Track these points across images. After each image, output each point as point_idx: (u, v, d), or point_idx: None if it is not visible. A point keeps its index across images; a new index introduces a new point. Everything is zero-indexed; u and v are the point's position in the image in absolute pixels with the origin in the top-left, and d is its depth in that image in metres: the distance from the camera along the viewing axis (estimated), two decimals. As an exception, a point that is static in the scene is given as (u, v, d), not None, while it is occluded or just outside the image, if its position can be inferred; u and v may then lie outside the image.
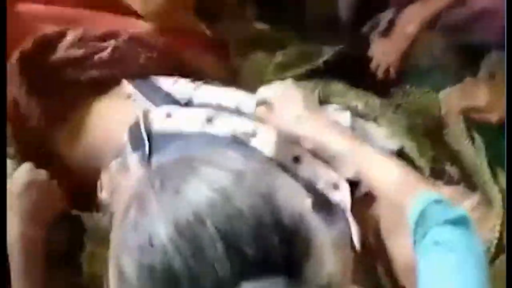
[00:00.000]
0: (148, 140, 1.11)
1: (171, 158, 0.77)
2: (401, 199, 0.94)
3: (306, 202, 1.03)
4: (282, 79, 1.29)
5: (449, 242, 0.83)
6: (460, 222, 0.85)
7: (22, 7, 1.27)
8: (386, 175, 0.98)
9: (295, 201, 0.73)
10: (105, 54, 1.25)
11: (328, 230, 0.78)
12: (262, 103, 1.13)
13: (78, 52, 1.24)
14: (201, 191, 0.69)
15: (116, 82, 1.27)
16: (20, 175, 1.08)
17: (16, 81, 1.19)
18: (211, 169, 0.72)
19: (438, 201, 0.88)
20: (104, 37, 1.26)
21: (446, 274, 0.80)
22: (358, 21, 1.50)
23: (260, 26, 1.40)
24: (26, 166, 1.10)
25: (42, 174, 1.09)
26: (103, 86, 1.26)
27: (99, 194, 1.07)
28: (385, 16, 1.50)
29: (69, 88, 1.25)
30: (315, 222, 0.73)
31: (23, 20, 1.26)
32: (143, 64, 1.29)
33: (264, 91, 1.14)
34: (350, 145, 1.03)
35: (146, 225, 0.69)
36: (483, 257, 0.84)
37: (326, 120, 1.08)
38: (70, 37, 1.24)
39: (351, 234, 1.08)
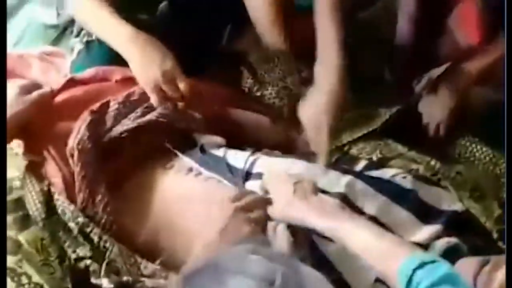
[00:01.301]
0: None
1: (197, 266, 0.78)
2: (384, 268, 0.94)
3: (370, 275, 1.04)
4: (340, 143, 1.30)
5: None
6: (446, 280, 0.85)
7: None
8: (367, 248, 0.98)
9: None
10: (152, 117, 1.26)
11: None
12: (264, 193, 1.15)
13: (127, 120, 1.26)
14: None
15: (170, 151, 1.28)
16: None
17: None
18: (238, 280, 0.73)
19: (421, 265, 0.88)
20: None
21: None
22: (410, 80, 1.50)
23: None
24: None
25: None
26: (157, 154, 1.27)
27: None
28: (434, 74, 1.50)
29: (123, 158, 1.26)
30: None
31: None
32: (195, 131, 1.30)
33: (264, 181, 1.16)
34: (331, 225, 1.02)
35: None
36: None
37: (313, 203, 1.07)
38: (113, 105, 1.27)
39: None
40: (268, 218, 1.11)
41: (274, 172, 1.16)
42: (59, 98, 1.29)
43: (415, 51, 1.54)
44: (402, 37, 1.54)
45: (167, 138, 1.28)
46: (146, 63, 1.25)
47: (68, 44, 1.51)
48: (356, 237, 0.99)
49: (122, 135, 1.25)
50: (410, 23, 1.51)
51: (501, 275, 0.99)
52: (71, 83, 1.32)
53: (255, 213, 1.10)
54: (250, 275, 0.73)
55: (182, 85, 1.24)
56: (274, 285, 0.72)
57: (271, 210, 1.12)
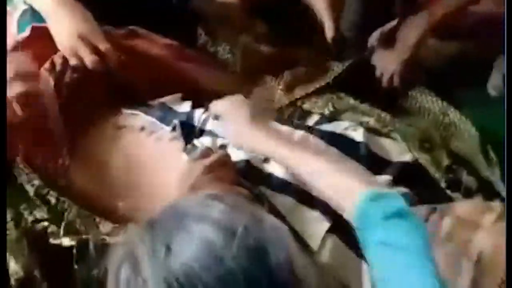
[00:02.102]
0: None
1: (160, 211, 0.78)
2: (342, 203, 0.94)
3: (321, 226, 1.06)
4: (293, 98, 1.31)
5: (393, 240, 0.84)
6: (399, 215, 0.86)
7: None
8: (325, 181, 0.97)
9: (284, 247, 0.74)
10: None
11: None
12: (215, 117, 1.14)
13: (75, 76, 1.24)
14: (192, 250, 0.71)
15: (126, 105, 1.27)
16: None
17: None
18: (200, 225, 0.73)
19: (373, 199, 0.88)
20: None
21: (397, 272, 0.82)
22: (364, 35, 1.51)
23: (266, 48, 1.40)
24: None
25: None
26: (106, 109, 1.27)
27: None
28: (387, 27, 1.51)
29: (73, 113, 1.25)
30: (303, 261, 0.75)
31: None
32: (151, 87, 1.30)
33: (215, 106, 1.15)
34: (288, 154, 1.02)
35: (139, 285, 0.71)
36: (427, 243, 0.84)
37: (268, 132, 1.07)
38: (58, 60, 1.25)
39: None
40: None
41: (228, 100, 1.14)
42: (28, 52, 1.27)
43: (371, 8, 1.54)
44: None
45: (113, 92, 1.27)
46: (62, 28, 1.22)
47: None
48: (314, 167, 0.98)
49: (68, 87, 1.24)
50: None
51: (446, 222, 1.03)
52: (35, 32, 1.29)
53: (224, 171, 1.08)
54: (213, 222, 0.73)
55: (102, 47, 1.21)
56: (235, 235, 0.72)
57: (225, 136, 1.11)
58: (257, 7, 1.46)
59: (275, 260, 0.72)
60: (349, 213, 0.91)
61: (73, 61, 1.22)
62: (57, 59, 1.26)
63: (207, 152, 1.11)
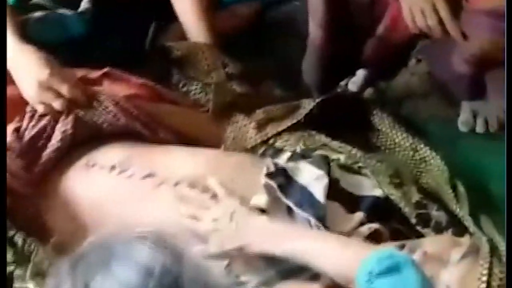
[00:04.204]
0: None
1: (86, 248, 0.80)
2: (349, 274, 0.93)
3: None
4: (265, 137, 1.32)
5: None
6: (393, 269, 0.87)
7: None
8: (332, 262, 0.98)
9: (202, 283, 0.77)
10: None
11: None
12: None
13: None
14: None
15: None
16: None
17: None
18: (121, 266, 0.75)
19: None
20: None
21: None
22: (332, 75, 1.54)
23: (238, 87, 1.41)
24: None
25: None
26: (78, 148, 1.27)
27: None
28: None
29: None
30: None
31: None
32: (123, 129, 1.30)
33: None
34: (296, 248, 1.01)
35: None
36: None
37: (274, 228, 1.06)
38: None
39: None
40: None
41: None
42: None
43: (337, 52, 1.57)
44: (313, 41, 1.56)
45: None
46: (21, 77, 1.23)
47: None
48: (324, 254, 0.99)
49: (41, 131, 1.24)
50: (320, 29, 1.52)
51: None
52: None
53: None
54: (134, 262, 0.75)
55: (63, 90, 1.22)
56: (153, 274, 0.74)
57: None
58: (229, 46, 1.48)
59: None
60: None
61: (40, 109, 1.23)
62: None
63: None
